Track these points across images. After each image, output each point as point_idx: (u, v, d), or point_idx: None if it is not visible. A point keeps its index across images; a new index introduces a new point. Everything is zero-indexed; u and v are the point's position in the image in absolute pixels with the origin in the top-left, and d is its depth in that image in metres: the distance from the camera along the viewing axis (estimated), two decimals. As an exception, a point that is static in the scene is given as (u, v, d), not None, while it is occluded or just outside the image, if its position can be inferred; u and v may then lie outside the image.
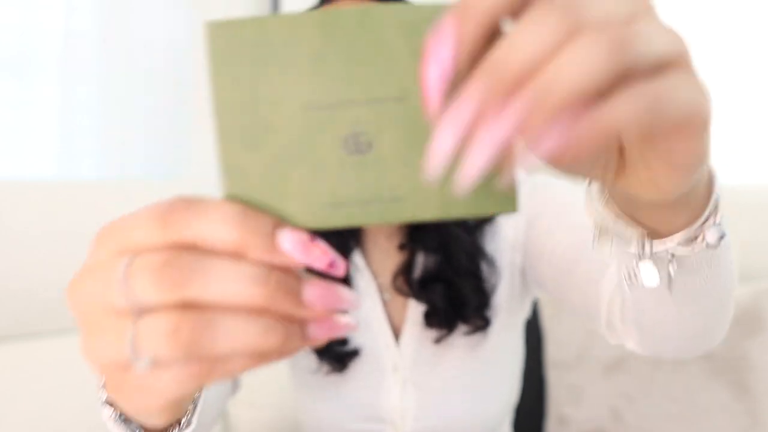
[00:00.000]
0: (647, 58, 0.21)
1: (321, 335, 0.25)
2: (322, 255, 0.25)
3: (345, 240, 0.74)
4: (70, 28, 1.37)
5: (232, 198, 0.26)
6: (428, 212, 0.26)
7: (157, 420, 0.31)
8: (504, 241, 0.72)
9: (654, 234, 0.35)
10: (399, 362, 0.72)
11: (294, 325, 0.24)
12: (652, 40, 0.21)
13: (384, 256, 0.75)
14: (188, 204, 0.24)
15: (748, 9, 1.53)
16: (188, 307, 0.23)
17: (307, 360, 0.74)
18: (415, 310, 0.72)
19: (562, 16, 0.20)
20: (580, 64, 0.20)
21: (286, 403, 1.19)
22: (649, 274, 0.36)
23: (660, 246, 0.35)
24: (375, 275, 0.75)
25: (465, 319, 0.69)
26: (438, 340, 0.70)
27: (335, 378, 0.73)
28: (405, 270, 0.72)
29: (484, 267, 0.70)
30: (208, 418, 0.54)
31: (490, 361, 0.73)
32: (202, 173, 1.51)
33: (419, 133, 0.26)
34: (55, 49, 1.36)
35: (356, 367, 0.72)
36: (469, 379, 0.71)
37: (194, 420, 0.37)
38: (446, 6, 0.24)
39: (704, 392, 1.09)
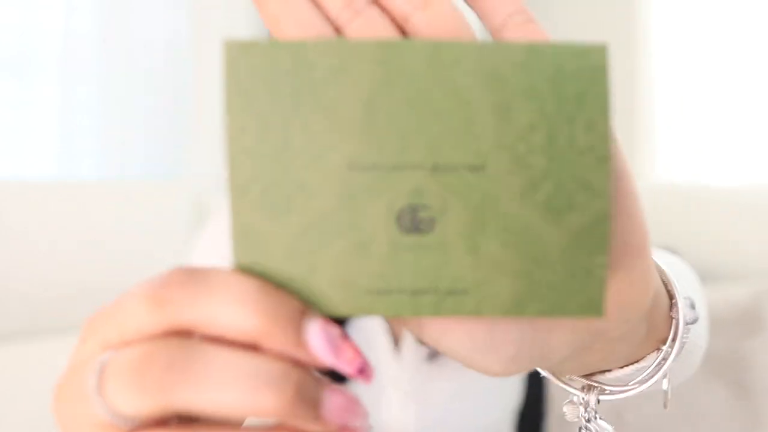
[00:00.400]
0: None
1: None
2: (354, 358, 0.19)
3: None
4: (70, 28, 1.37)
5: (245, 270, 0.20)
6: (494, 309, 0.21)
7: None
8: None
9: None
10: (398, 375, 0.71)
11: None
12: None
13: None
14: (189, 277, 0.19)
15: (748, 9, 1.53)
16: (185, 420, 0.18)
17: None
18: None
19: None
20: None
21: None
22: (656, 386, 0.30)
23: (661, 369, 0.28)
24: None
25: None
26: (432, 356, 0.69)
27: None
28: None
29: None
30: None
31: None
32: (202, 173, 1.51)
33: (494, 212, 0.21)
34: (55, 49, 1.36)
35: (354, 382, 0.71)
36: (468, 390, 0.71)
37: None
38: (539, 48, 0.20)
39: (704, 392, 1.09)
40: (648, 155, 1.71)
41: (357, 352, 0.19)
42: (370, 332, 0.71)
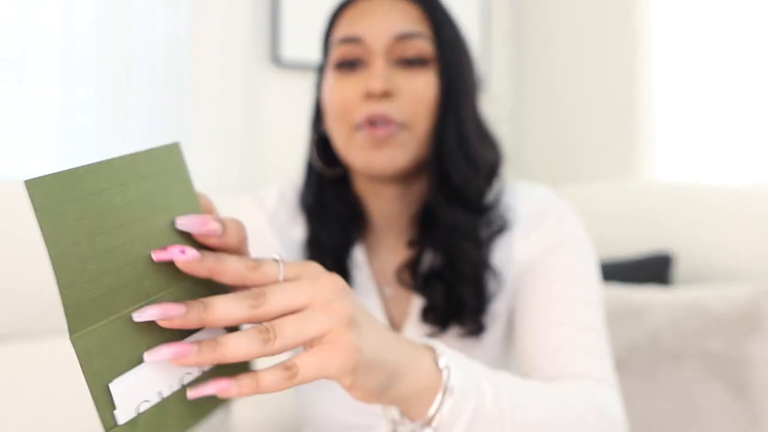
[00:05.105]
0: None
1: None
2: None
3: (347, 235, 0.74)
4: (70, 28, 1.37)
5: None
6: (224, 401, 0.39)
7: None
8: (512, 259, 0.72)
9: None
10: None
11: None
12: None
13: (391, 253, 0.75)
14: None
15: (747, 8, 1.53)
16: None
17: None
18: (415, 307, 0.72)
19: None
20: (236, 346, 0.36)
21: (286, 401, 1.19)
22: None
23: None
24: (376, 271, 0.75)
25: (461, 321, 0.69)
26: (430, 336, 0.70)
27: None
28: (412, 265, 0.71)
29: (488, 276, 0.70)
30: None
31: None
32: (201, 173, 1.51)
33: None
34: (55, 49, 1.36)
35: None
36: None
37: None
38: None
39: (704, 392, 1.09)
40: (648, 155, 1.72)
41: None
42: None
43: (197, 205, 0.39)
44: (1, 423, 0.98)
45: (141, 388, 0.34)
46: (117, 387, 0.33)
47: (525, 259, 0.71)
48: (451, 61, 0.69)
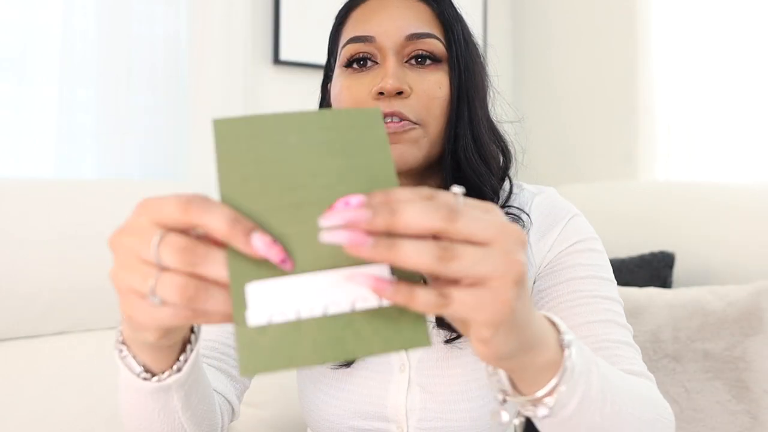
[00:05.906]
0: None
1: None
2: (277, 253, 0.35)
3: None
4: (70, 28, 1.37)
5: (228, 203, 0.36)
6: (370, 349, 0.35)
7: (151, 338, 0.41)
8: (528, 262, 0.71)
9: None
10: (406, 362, 0.71)
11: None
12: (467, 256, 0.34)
13: None
14: (203, 200, 0.36)
15: (747, 9, 1.53)
16: (194, 275, 0.36)
17: None
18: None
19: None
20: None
21: (286, 402, 1.19)
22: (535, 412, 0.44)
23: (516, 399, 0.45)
24: None
25: None
26: (448, 341, 0.69)
27: (342, 373, 0.72)
28: None
29: None
30: (203, 405, 0.58)
31: None
32: (200, 173, 1.51)
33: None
34: (55, 49, 1.36)
35: (363, 364, 0.72)
36: (476, 385, 0.70)
37: (185, 368, 0.48)
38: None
39: (704, 392, 1.09)
40: (648, 155, 1.72)
41: (280, 249, 0.35)
42: None
43: (389, 169, 0.37)
44: (1, 423, 0.98)
45: (280, 299, 0.35)
46: (255, 289, 0.35)
47: (542, 263, 0.70)
48: (462, 60, 0.69)
